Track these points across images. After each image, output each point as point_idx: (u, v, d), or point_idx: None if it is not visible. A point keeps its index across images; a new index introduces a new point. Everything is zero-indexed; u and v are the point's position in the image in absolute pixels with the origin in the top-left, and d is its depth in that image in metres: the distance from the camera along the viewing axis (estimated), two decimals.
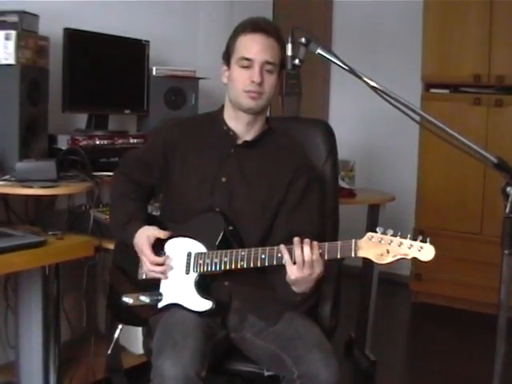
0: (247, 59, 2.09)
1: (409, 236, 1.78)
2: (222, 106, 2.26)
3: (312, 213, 2.20)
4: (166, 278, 2.11)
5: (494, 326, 1.70)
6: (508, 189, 1.64)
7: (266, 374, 2.10)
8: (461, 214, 4.59)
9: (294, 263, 1.89)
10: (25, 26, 2.68)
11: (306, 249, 1.88)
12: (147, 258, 2.08)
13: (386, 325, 4.28)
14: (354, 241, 1.84)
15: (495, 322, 1.69)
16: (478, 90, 4.51)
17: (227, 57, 2.17)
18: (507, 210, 1.63)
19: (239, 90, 2.11)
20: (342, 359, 3.70)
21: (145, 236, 2.10)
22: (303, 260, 1.88)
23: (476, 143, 1.72)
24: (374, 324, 3.69)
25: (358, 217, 3.83)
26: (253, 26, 2.11)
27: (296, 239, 1.90)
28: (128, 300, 2.15)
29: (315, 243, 1.88)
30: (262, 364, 2.11)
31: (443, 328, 4.36)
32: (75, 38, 3.01)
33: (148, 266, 2.09)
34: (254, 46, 2.09)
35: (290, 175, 2.18)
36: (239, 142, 2.20)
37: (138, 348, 2.84)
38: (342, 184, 3.59)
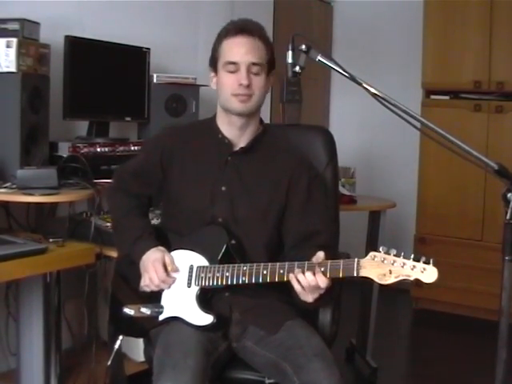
0: (233, 63, 2.09)
1: (412, 256, 1.77)
2: (215, 114, 2.25)
3: (320, 211, 2.20)
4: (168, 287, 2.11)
5: (495, 332, 1.69)
6: (509, 195, 1.64)
7: (267, 382, 2.09)
8: (461, 220, 4.59)
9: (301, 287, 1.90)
10: (26, 34, 2.69)
11: (308, 274, 1.88)
12: (158, 275, 2.05)
13: (387, 331, 4.28)
14: (356, 260, 1.83)
15: (496, 328, 1.69)
16: (479, 96, 4.52)
17: (213, 63, 2.17)
18: (508, 216, 1.63)
19: (228, 94, 2.11)
20: (344, 366, 3.70)
21: (159, 255, 2.08)
22: (309, 286, 1.88)
23: (476, 149, 1.72)
24: (375, 330, 3.68)
25: (359, 223, 3.83)
26: (235, 28, 2.11)
27: (297, 270, 1.90)
28: (129, 311, 2.14)
29: (320, 275, 1.86)
30: (263, 372, 2.10)
31: (444, 334, 4.36)
32: (76, 46, 3.02)
33: (155, 281, 2.06)
34: (238, 49, 2.09)
35: (288, 176, 2.18)
36: (235, 149, 2.20)
37: (139, 355, 2.84)
38: (343, 190, 3.60)
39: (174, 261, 2.09)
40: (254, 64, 2.09)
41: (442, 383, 3.56)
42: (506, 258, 1.64)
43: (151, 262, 2.07)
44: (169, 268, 2.07)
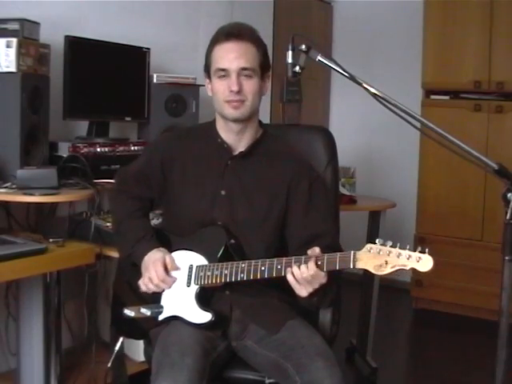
0: (223, 69, 2.08)
1: (407, 247, 1.78)
2: (215, 118, 2.25)
3: (322, 212, 2.19)
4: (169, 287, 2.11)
5: (495, 333, 1.70)
6: (509, 195, 1.64)
7: (268, 381, 2.09)
8: (461, 220, 4.59)
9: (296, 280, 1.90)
10: (26, 34, 2.69)
11: (303, 267, 1.88)
12: (158, 272, 2.05)
13: (387, 331, 4.28)
14: (352, 252, 1.83)
15: (496, 328, 1.69)
16: (479, 96, 4.52)
17: (207, 69, 2.17)
18: (508, 216, 1.64)
19: (221, 101, 2.11)
20: (344, 366, 3.70)
21: (160, 255, 2.09)
22: (301, 277, 1.88)
23: (476, 149, 1.72)
24: (375, 330, 3.68)
25: (359, 223, 3.83)
26: (225, 34, 2.10)
27: (294, 264, 1.90)
28: (129, 312, 2.14)
29: (311, 263, 1.87)
30: (263, 372, 2.10)
31: (444, 334, 4.35)
32: (76, 46, 3.02)
33: (155, 280, 2.06)
34: (227, 55, 2.07)
35: (288, 180, 2.17)
36: (234, 153, 2.19)
37: (139, 355, 2.84)
38: (343, 190, 3.60)
39: (174, 261, 2.10)
40: (244, 69, 2.08)
41: (442, 383, 3.56)
42: (506, 258, 1.65)
43: (152, 261, 2.07)
44: (169, 267, 2.08)
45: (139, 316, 2.13)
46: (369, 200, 3.90)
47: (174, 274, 2.10)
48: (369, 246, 1.81)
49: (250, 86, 2.09)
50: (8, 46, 2.60)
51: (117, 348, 2.37)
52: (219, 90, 2.10)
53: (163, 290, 2.12)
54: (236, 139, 2.19)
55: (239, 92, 2.07)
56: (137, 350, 3.00)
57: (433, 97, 4.70)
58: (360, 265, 1.81)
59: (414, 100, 4.41)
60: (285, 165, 2.20)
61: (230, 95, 2.08)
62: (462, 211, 4.59)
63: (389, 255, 1.78)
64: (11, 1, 2.90)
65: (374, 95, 1.81)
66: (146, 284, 2.09)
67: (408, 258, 1.76)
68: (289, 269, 1.91)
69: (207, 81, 2.19)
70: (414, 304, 4.84)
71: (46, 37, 2.83)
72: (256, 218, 2.15)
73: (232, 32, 2.10)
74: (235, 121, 2.13)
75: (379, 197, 4.13)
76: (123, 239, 2.23)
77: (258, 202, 2.16)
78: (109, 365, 2.50)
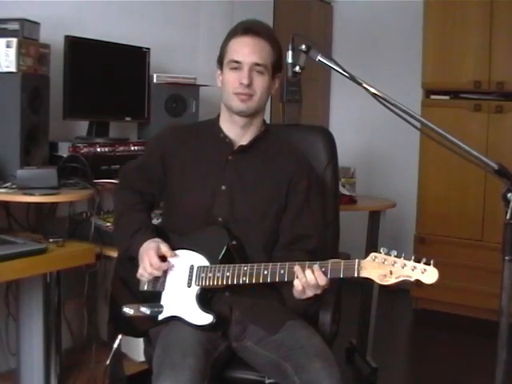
0: (236, 62, 2.10)
1: (412, 258, 1.78)
2: (218, 114, 2.26)
3: (315, 216, 2.21)
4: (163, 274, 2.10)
5: (495, 333, 1.69)
6: (509, 195, 1.64)
7: (267, 382, 2.09)
8: (461, 220, 4.59)
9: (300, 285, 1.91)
10: (26, 34, 2.69)
11: (308, 272, 1.88)
12: (150, 260, 2.03)
13: (387, 331, 4.28)
14: (357, 261, 1.83)
15: (496, 328, 1.69)
16: (479, 96, 4.52)
17: (220, 60, 2.19)
18: (508, 216, 1.63)
19: (229, 92, 2.13)
20: (344, 366, 3.70)
21: (154, 244, 2.07)
22: (307, 283, 1.89)
23: (476, 149, 1.72)
24: (375, 330, 3.68)
25: (359, 223, 3.83)
26: (243, 28, 2.13)
27: (297, 267, 1.90)
28: (128, 311, 2.13)
29: (319, 272, 1.87)
30: (263, 372, 2.10)
31: (444, 334, 4.36)
32: (76, 46, 3.02)
33: (148, 268, 2.05)
34: (243, 49, 2.10)
35: (288, 178, 2.18)
36: (235, 147, 2.20)
37: (139, 355, 2.84)
38: (343, 191, 3.59)
39: (169, 248, 2.08)
40: (257, 64, 2.09)
41: (442, 383, 3.56)
42: (506, 258, 1.64)
43: (145, 251, 2.07)
44: (168, 255, 2.06)
45: (138, 314, 2.12)
46: (369, 200, 3.91)
47: (174, 273, 2.09)
48: (373, 254, 1.81)
49: (260, 81, 2.11)
50: (8, 46, 2.60)
51: (115, 346, 2.37)
52: (229, 81, 2.12)
53: (164, 288, 2.11)
54: (239, 133, 2.20)
55: (249, 86, 2.09)
56: (137, 349, 3.00)
57: (433, 97, 4.70)
58: (364, 274, 1.81)
59: (414, 100, 4.41)
60: (286, 162, 2.21)
61: (240, 87, 2.09)
62: (462, 211, 4.59)
63: (393, 265, 1.78)
64: (12, 1, 2.89)
65: (374, 95, 1.80)
66: (141, 274, 2.09)
67: (413, 269, 1.77)
68: (295, 276, 1.91)
69: (218, 72, 2.20)
70: (414, 304, 4.84)
71: (45, 37, 2.83)
72: (255, 214, 2.16)
73: (250, 28, 2.13)
74: (240, 113, 2.14)
75: (379, 197, 4.14)
76: (122, 233, 2.23)
77: (258, 197, 2.16)
78: (107, 362, 2.50)
